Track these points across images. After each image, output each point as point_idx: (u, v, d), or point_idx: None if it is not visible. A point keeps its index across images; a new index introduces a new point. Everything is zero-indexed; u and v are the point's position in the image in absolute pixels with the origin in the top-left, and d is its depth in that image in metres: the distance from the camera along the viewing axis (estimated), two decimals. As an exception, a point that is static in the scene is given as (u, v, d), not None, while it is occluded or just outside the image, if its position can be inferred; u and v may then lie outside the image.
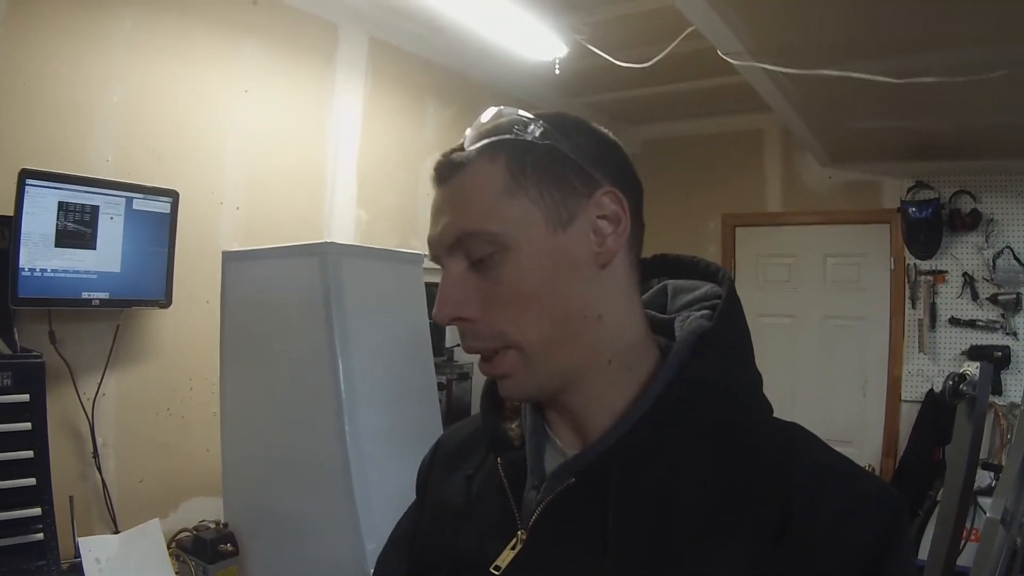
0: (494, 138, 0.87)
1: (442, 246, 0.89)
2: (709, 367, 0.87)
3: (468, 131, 0.90)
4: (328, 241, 2.49)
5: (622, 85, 4.58)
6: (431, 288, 2.95)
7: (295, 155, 3.63)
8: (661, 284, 1.03)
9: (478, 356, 0.91)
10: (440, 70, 4.43)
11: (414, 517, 1.14)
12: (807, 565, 0.75)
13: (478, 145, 0.87)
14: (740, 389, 0.90)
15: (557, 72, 3.97)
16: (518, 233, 0.85)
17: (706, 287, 0.98)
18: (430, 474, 1.14)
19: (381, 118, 4.10)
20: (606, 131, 0.95)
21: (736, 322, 0.91)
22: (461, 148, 0.89)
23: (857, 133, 4.26)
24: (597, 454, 0.87)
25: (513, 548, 0.90)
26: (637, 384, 0.89)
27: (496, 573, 0.89)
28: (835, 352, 5.21)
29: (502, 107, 0.91)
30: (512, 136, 0.87)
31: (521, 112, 0.89)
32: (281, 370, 2.55)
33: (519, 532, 0.90)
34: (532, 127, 0.88)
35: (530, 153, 0.87)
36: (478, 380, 3.16)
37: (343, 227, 3.86)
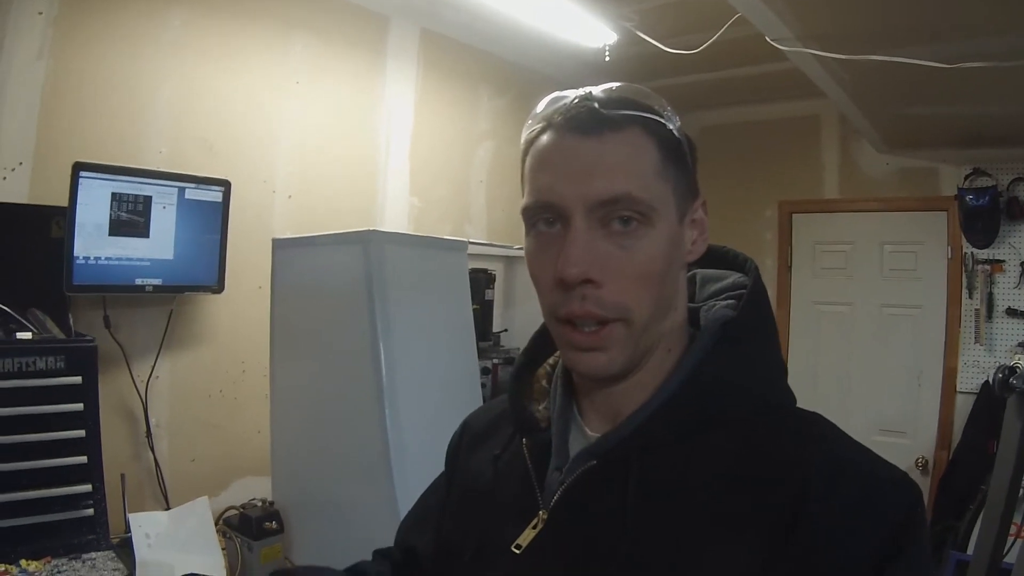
0: (646, 114, 0.87)
1: (585, 202, 0.84)
2: (730, 357, 0.89)
3: (592, 91, 0.88)
4: (372, 229, 2.52)
5: (673, 72, 4.53)
6: (475, 274, 3.00)
7: (347, 145, 3.67)
8: (691, 273, 1.03)
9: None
10: (492, 59, 4.44)
11: (441, 493, 1.17)
12: (818, 557, 0.75)
13: (625, 112, 0.86)
14: (761, 379, 0.91)
15: (607, 59, 3.97)
16: (663, 212, 0.86)
17: (733, 276, 0.99)
18: (458, 453, 1.16)
19: (433, 108, 4.13)
20: None
21: (760, 312, 0.93)
22: (593, 105, 0.86)
23: (913, 119, 4.16)
24: (619, 439, 0.89)
25: (534, 528, 0.91)
26: (667, 370, 0.91)
27: (517, 552, 0.91)
28: (891, 341, 5.09)
29: (639, 85, 0.91)
30: (659, 119, 0.88)
31: (652, 93, 0.90)
32: (327, 356, 2.59)
33: (540, 512, 0.92)
34: (668, 113, 0.89)
35: (674, 142, 0.89)
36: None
37: (396, 215, 3.90)
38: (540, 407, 1.02)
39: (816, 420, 0.89)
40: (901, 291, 5.07)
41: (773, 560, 0.76)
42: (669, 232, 0.87)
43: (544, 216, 0.88)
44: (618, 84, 0.90)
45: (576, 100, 0.88)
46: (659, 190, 0.86)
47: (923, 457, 4.76)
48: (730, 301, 0.95)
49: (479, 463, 1.07)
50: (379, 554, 1.24)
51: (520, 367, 1.05)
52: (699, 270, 1.04)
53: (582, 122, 0.86)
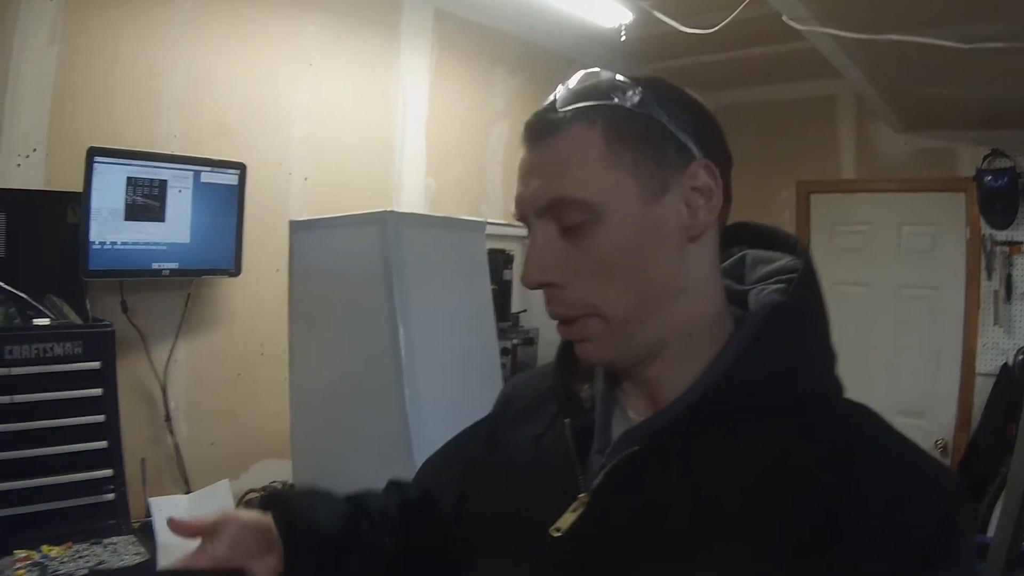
0: (592, 102, 0.86)
1: (532, 209, 0.88)
2: (779, 343, 0.86)
3: (560, 90, 0.89)
4: (389, 210, 2.51)
5: (689, 51, 4.52)
6: (493, 255, 2.99)
7: (362, 126, 3.66)
8: (740, 254, 1.00)
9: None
10: (506, 39, 4.40)
11: (478, 451, 1.14)
12: (858, 552, 0.73)
13: (574, 107, 0.86)
14: (809, 367, 0.88)
15: (623, 38, 3.94)
16: (612, 203, 0.84)
17: (784, 259, 0.95)
18: (499, 423, 1.14)
19: (449, 88, 4.10)
20: (701, 101, 0.93)
21: (811, 297, 0.89)
22: (553, 108, 0.88)
23: (931, 100, 4.13)
24: (662, 423, 0.87)
25: (574, 511, 0.89)
26: (710, 357, 0.88)
27: (556, 535, 0.89)
28: (909, 322, 5.09)
29: (597, 69, 0.89)
30: (610, 102, 0.86)
31: (619, 77, 0.88)
32: (346, 337, 2.59)
33: (581, 495, 0.90)
34: (630, 93, 0.86)
35: (628, 121, 0.85)
36: (543, 345, 3.18)
37: (413, 196, 3.88)
38: (585, 387, 1.01)
39: (863, 412, 0.86)
40: (919, 272, 5.06)
41: (811, 555, 0.74)
42: (632, 219, 0.85)
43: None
44: (581, 74, 0.89)
45: (540, 109, 0.90)
46: (606, 179, 0.84)
47: (942, 439, 4.75)
48: (780, 285, 0.91)
49: (521, 440, 1.05)
50: (393, 486, 1.22)
51: (565, 346, 1.02)
52: (749, 251, 1.00)
53: (532, 132, 0.89)
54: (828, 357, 0.90)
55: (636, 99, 0.86)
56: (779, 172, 5.47)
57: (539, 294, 0.91)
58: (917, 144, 5.06)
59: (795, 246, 0.96)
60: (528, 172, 0.89)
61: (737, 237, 1.01)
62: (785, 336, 0.86)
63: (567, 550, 0.88)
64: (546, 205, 0.86)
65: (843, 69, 3.69)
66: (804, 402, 0.84)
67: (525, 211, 0.90)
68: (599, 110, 0.85)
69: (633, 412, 0.94)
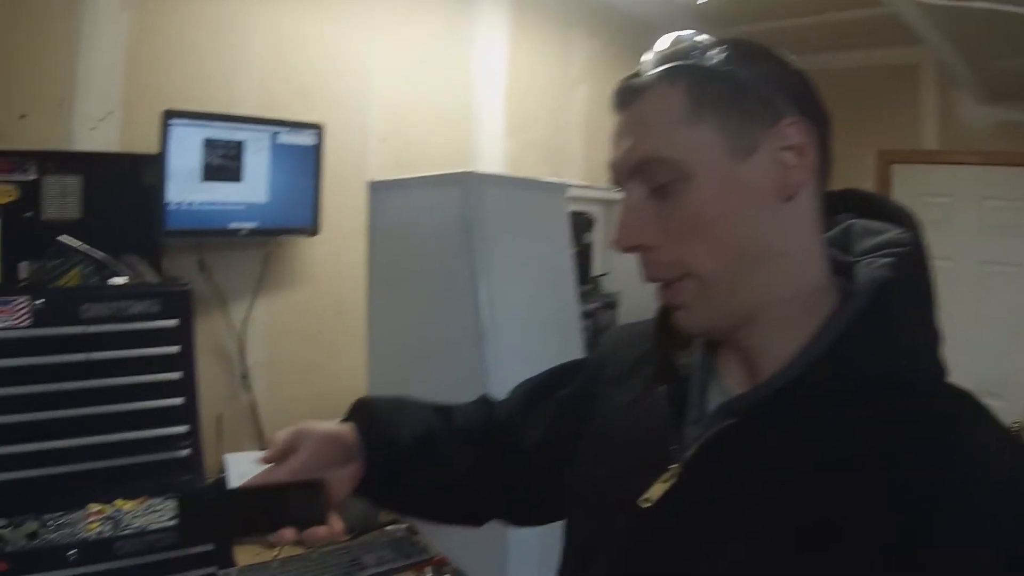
0: (674, 63, 0.85)
1: (623, 171, 0.88)
2: (886, 321, 0.82)
3: (646, 56, 0.89)
4: (470, 171, 2.49)
5: (768, 15, 4.40)
6: (574, 218, 2.95)
7: (440, 87, 3.64)
8: (847, 223, 0.96)
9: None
10: (584, 3, 4.34)
11: (573, 398, 1.15)
12: (958, 542, 0.71)
13: (658, 70, 0.86)
14: (915, 348, 0.84)
15: (699, 2, 3.84)
16: (698, 160, 0.83)
17: (894, 231, 0.90)
18: (597, 381, 1.13)
19: (527, 51, 4.05)
20: (792, 58, 0.90)
21: (921, 274, 0.86)
22: (638, 72, 0.88)
23: (1018, 71, 3.94)
24: (761, 397, 0.84)
25: (665, 482, 0.88)
26: (812, 329, 0.84)
27: (645, 506, 0.88)
28: (991, 299, 4.90)
29: (682, 32, 0.89)
30: (692, 61, 0.85)
31: (702, 37, 0.87)
32: (425, 298, 2.58)
33: (673, 467, 0.88)
34: (712, 52, 0.85)
35: (711, 80, 0.84)
36: (625, 309, 3.14)
37: (491, 158, 3.86)
38: (683, 353, 0.98)
39: (966, 398, 0.83)
40: (1003, 248, 4.87)
41: (907, 542, 0.71)
42: (720, 176, 0.83)
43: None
44: (672, 36, 0.89)
45: (622, 79, 0.90)
46: (691, 138, 0.83)
47: (1017, 422, 4.56)
48: (889, 259, 0.86)
49: (616, 403, 1.05)
50: (483, 403, 1.27)
51: (664, 310, 0.99)
52: (857, 220, 0.96)
53: (619, 97, 0.90)
54: (934, 338, 0.87)
55: (720, 58, 0.85)
56: (860, 141, 5.28)
57: (620, 257, 0.90)
58: (1001, 116, 4.87)
59: (906, 218, 0.91)
60: (617, 136, 0.89)
61: (844, 204, 0.98)
62: (893, 315, 0.82)
63: (655, 522, 0.87)
64: (634, 166, 0.86)
65: (928, 37, 3.58)
66: (907, 384, 0.81)
67: (618, 174, 0.90)
68: (681, 70, 0.85)
69: (730, 382, 0.92)
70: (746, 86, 0.84)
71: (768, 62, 0.87)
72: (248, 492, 1.02)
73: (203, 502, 1.14)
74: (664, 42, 0.88)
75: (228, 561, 2.25)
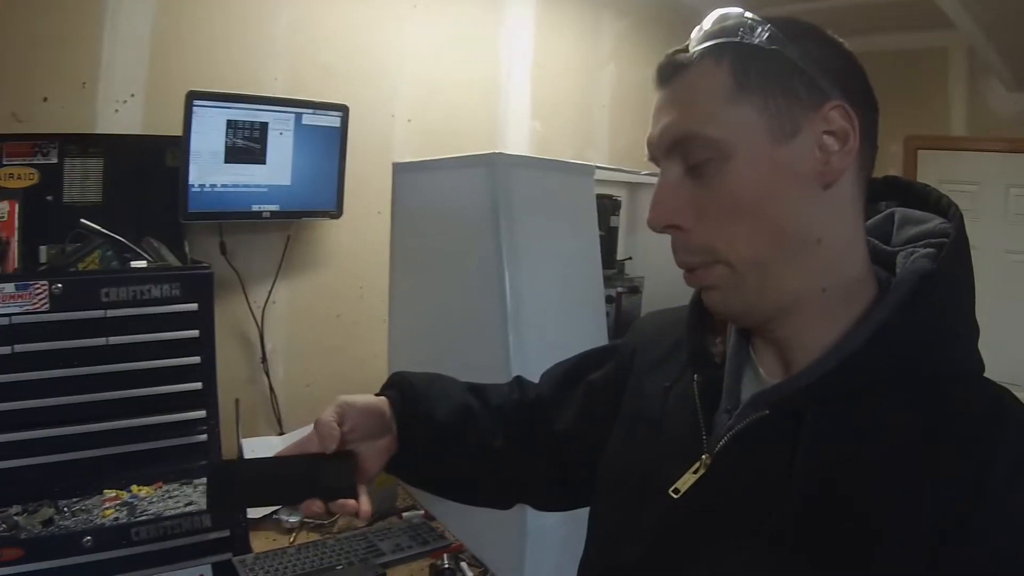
0: (719, 40, 0.84)
1: (660, 147, 0.87)
2: (927, 313, 0.80)
3: (694, 32, 0.87)
4: (497, 152, 2.46)
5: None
6: (600, 200, 2.92)
7: (466, 68, 3.59)
8: (889, 211, 0.95)
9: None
10: (613, -19, 4.28)
11: (607, 387, 1.15)
12: (998, 541, 0.70)
13: (702, 47, 0.84)
14: (955, 342, 0.83)
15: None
16: (738, 140, 0.81)
17: (935, 221, 0.89)
18: (631, 368, 1.12)
19: (555, 31, 3.98)
20: (841, 41, 0.88)
21: (962, 267, 0.83)
22: (685, 49, 0.86)
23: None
24: (795, 389, 0.82)
25: (695, 472, 0.88)
26: (850, 319, 0.83)
27: (674, 496, 0.88)
28: (1015, 288, 4.81)
29: (730, 9, 0.87)
30: (738, 39, 0.83)
31: (748, 14, 0.85)
32: (449, 280, 2.57)
33: (704, 456, 0.88)
34: (759, 30, 0.83)
35: (756, 58, 0.82)
36: (649, 294, 3.11)
37: (518, 139, 3.81)
38: (717, 341, 0.98)
39: (1005, 393, 0.81)
40: (1026, 237, 4.77)
41: (947, 538, 0.70)
42: (760, 157, 0.81)
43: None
44: (715, 14, 0.86)
45: (667, 54, 0.89)
46: (732, 116, 0.81)
47: None
48: (930, 250, 0.85)
49: (651, 391, 1.04)
50: (517, 383, 1.27)
51: (699, 295, 0.97)
52: (899, 208, 0.94)
53: (662, 73, 0.88)
54: (973, 332, 0.85)
55: (765, 36, 0.83)
56: (887, 126, 5.11)
57: (645, 240, 0.88)
58: (1030, 104, 4.74)
59: (947, 208, 0.89)
60: (657, 112, 0.88)
61: (885, 192, 0.96)
62: (933, 308, 0.80)
63: (683, 513, 0.87)
64: (672, 142, 0.85)
65: (958, 21, 3.51)
66: (946, 378, 0.80)
67: (654, 151, 0.88)
68: (726, 47, 0.83)
69: (765, 371, 0.90)
70: (791, 66, 0.82)
71: (816, 43, 0.85)
72: (279, 460, 1.04)
73: (233, 468, 1.16)
74: (711, 19, 0.86)
75: (244, 547, 2.25)
